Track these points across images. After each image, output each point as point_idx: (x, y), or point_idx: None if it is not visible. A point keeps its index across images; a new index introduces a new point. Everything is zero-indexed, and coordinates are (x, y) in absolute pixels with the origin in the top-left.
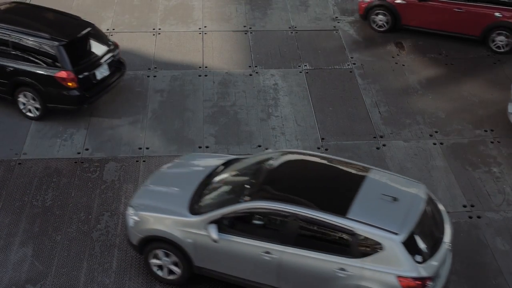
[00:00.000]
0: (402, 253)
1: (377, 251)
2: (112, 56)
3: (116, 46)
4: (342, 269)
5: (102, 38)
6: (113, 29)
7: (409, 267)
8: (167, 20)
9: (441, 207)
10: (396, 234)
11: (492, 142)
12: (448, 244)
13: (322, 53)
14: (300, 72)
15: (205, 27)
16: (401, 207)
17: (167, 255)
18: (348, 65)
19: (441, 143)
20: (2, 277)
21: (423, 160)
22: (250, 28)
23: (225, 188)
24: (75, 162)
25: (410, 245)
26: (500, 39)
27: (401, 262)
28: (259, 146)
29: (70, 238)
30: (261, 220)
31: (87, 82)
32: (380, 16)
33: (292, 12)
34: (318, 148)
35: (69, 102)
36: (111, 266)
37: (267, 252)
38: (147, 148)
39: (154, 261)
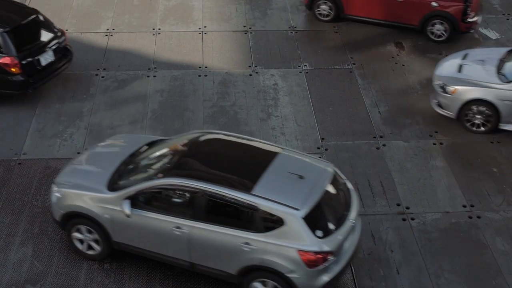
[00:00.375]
0: (302, 228)
1: (279, 226)
2: (58, 42)
3: (62, 33)
4: (247, 244)
5: (47, 25)
6: (113, 29)
7: (310, 242)
8: (167, 20)
9: (349, 186)
10: (297, 209)
11: (492, 142)
12: (353, 221)
13: (322, 53)
14: (300, 72)
15: (205, 27)
16: (306, 184)
17: (90, 232)
18: (348, 65)
19: (441, 143)
20: (2, 277)
21: (423, 160)
22: (250, 28)
23: (143, 166)
24: None
25: (311, 221)
26: (438, 28)
27: (301, 237)
28: None
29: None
30: (173, 196)
31: (31, 68)
32: (324, 6)
33: (292, 12)
34: (318, 148)
35: (13, 87)
36: (111, 266)
37: (178, 227)
38: None
39: (75, 234)
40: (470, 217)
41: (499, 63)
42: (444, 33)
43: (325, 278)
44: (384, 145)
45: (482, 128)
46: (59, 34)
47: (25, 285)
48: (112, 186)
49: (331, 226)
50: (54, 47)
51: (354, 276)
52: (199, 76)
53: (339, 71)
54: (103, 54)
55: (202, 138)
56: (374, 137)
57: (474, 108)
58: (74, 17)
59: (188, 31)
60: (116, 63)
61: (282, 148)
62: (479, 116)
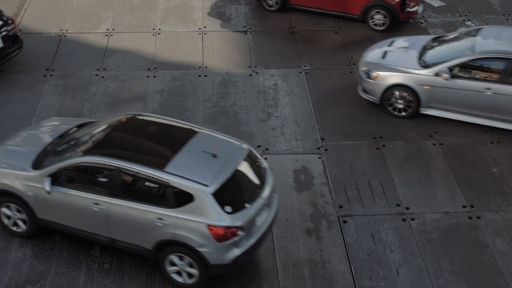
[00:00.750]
0: (211, 204)
1: (189, 202)
2: (7, 30)
3: (12, 21)
4: (160, 219)
5: None
6: (113, 29)
7: (218, 217)
8: (167, 20)
9: (265, 165)
10: (206, 186)
11: (492, 143)
12: (265, 198)
13: (322, 53)
14: (300, 72)
15: (205, 27)
16: (218, 162)
17: (19, 211)
18: (348, 65)
19: (441, 143)
20: (2, 277)
21: (423, 160)
22: (250, 28)
23: (68, 146)
24: None
25: (220, 197)
26: (378, 18)
27: (210, 212)
28: (259, 146)
29: (70, 238)
30: (92, 174)
31: None
32: None
33: (291, 12)
34: (318, 149)
35: None
36: (111, 266)
37: (96, 204)
38: None
39: (4, 210)
40: (470, 218)
41: (421, 50)
42: (385, 20)
43: (236, 252)
44: (384, 146)
45: (404, 113)
46: (9, 22)
47: (25, 285)
48: (37, 165)
49: (241, 202)
50: (3, 34)
51: (354, 276)
52: (199, 76)
53: (339, 71)
54: (103, 54)
55: (127, 119)
56: (374, 137)
57: (396, 93)
58: (74, 17)
59: (188, 31)
60: (116, 63)
61: (201, 129)
62: (400, 101)
